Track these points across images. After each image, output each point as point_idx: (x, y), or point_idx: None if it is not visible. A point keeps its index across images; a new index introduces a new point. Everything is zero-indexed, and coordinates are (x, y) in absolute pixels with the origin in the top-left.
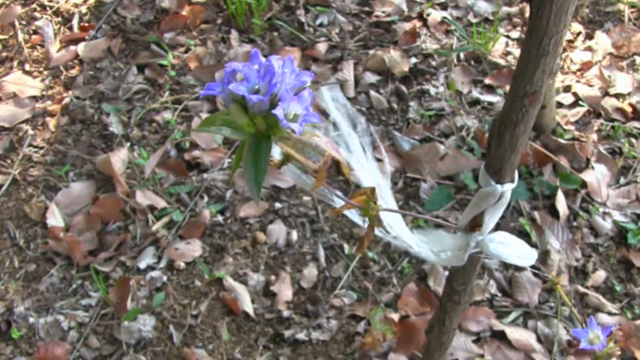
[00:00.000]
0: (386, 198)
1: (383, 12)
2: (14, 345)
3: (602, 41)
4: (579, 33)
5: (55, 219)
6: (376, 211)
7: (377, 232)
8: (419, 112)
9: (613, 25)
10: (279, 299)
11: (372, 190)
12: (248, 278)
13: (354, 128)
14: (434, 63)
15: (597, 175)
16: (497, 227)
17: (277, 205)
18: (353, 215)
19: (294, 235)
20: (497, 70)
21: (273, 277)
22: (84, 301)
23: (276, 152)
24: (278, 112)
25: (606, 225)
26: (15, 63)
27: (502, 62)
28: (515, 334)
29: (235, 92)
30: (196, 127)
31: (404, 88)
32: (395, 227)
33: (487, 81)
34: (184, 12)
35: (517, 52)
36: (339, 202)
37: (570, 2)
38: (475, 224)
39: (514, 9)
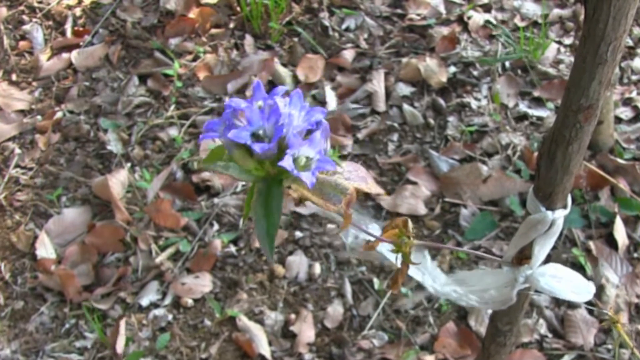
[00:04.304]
0: None
1: (418, 14)
2: None
3: None
4: None
5: (45, 249)
6: (410, 246)
7: (415, 274)
8: (459, 128)
9: None
10: (300, 341)
11: (405, 222)
12: (265, 317)
13: None
14: (475, 73)
15: None
16: (548, 259)
17: (298, 234)
18: (385, 251)
19: (317, 268)
20: (547, 81)
21: (293, 316)
22: (79, 343)
23: None
24: (286, 163)
25: None
26: (0, 73)
27: (553, 71)
28: None
29: (237, 141)
30: (200, 162)
31: (441, 101)
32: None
33: (536, 93)
34: (191, 15)
35: (570, 60)
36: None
37: (630, 3)
38: (523, 256)
39: (566, 11)
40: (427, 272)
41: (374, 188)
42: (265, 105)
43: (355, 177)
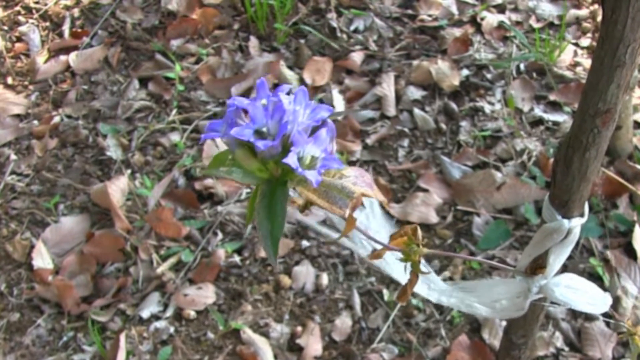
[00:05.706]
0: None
1: (429, 15)
2: None
3: None
4: None
5: (42, 259)
6: (420, 255)
7: (422, 289)
8: (472, 133)
9: None
10: (307, 354)
11: (414, 230)
12: (270, 329)
13: None
14: (489, 76)
15: None
16: (564, 269)
17: (304, 243)
18: (388, 265)
19: (324, 278)
20: (563, 85)
21: (299, 328)
22: (77, 356)
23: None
24: (291, 160)
25: None
26: None
27: (569, 74)
28: None
29: (240, 139)
30: (204, 169)
31: (453, 105)
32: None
33: (552, 97)
34: (194, 16)
35: (587, 62)
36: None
37: None
38: (537, 266)
39: (583, 12)
40: (432, 284)
41: (379, 195)
42: (270, 103)
43: (361, 182)
